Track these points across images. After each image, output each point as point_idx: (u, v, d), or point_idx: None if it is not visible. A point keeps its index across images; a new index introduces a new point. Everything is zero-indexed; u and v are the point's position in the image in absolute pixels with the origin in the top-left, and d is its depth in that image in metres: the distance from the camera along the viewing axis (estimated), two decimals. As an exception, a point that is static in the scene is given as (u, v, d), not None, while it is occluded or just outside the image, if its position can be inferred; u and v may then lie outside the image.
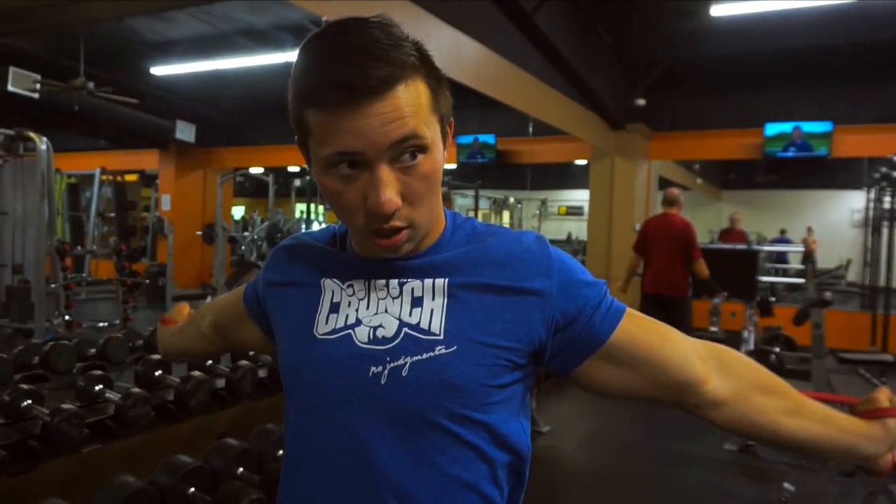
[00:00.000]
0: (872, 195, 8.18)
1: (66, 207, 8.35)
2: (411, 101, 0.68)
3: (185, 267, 9.74)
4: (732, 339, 5.81)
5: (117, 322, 6.15)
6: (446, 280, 0.75)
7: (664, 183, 9.05)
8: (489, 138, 8.72)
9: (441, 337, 0.72)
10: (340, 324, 0.76)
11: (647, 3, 6.11)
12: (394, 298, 0.76)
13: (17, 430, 1.73)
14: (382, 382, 0.72)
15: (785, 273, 10.54)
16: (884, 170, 7.09)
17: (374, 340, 0.74)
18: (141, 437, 1.95)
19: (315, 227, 12.00)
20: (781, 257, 10.84)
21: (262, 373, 2.51)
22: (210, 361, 2.36)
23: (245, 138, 10.20)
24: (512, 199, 12.64)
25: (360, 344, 0.74)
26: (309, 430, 0.77)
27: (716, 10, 5.68)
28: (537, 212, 14.06)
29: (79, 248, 7.55)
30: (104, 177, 8.57)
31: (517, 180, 11.56)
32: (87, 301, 8.07)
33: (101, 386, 1.96)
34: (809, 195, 13.77)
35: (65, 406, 1.70)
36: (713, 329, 5.66)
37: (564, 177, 12.51)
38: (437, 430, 0.72)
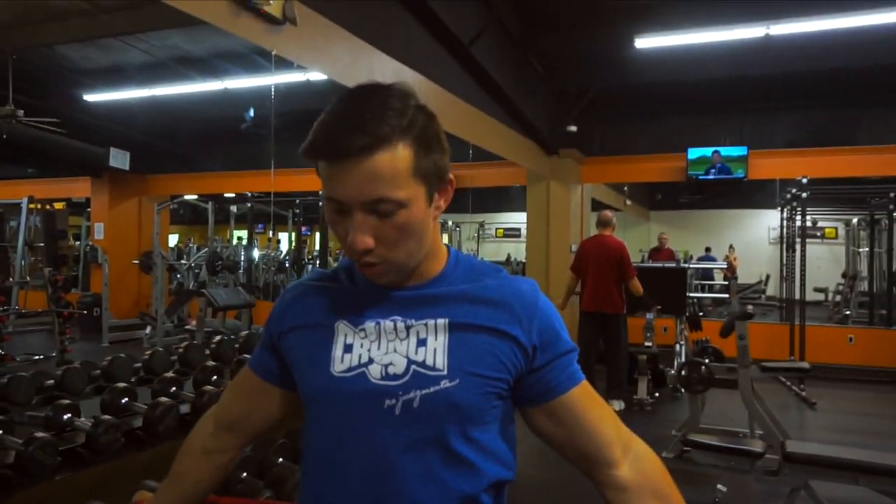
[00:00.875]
0: (786, 214, 8.75)
1: (-11, 238, 8.05)
2: (387, 166, 0.80)
3: (121, 296, 9.47)
4: (666, 352, 6.13)
5: (53, 354, 5.97)
6: (447, 321, 0.88)
7: (597, 205, 9.43)
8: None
9: (445, 372, 0.85)
10: (355, 362, 0.88)
11: (576, 34, 6.45)
12: (401, 340, 0.88)
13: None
14: (396, 413, 0.85)
15: (710, 289, 11.08)
16: (794, 190, 7.62)
17: (387, 377, 0.86)
18: (110, 463, 1.98)
19: (255, 253, 11.91)
20: (707, 273, 11.39)
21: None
22: (174, 388, 2.40)
23: (182, 165, 10.06)
24: (451, 223, 12.89)
25: (373, 380, 0.86)
26: (331, 455, 0.88)
27: (640, 43, 6.07)
28: (475, 234, 14.35)
29: (10, 280, 7.27)
30: (31, 205, 8.32)
31: (456, 204, 11.77)
32: (17, 333, 7.76)
33: (69, 415, 1.99)
34: (730, 214, 14.55)
35: (38, 434, 1.73)
36: (647, 344, 5.93)
37: (502, 200, 12.84)
38: (443, 450, 0.85)
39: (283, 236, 16.41)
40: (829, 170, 7.58)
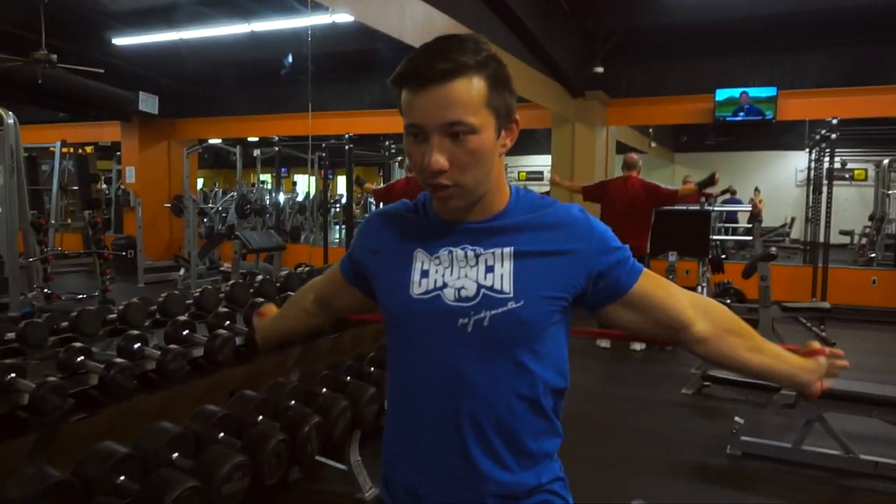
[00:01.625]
0: (814, 155, 8.66)
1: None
2: (464, 93, 0.92)
3: (154, 239, 9.74)
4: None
5: (95, 294, 6.24)
6: (512, 249, 1.00)
7: (621, 147, 9.41)
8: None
9: (511, 295, 0.98)
10: (431, 286, 1.01)
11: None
12: (472, 267, 1.00)
13: (4, 402, 1.86)
14: (469, 330, 0.98)
15: (734, 232, 11.06)
16: (823, 132, 7.54)
17: (460, 299, 0.99)
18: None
19: (281, 197, 12.06)
20: (731, 216, 11.38)
21: (238, 340, 2.63)
22: (187, 331, 2.55)
23: (209, 109, 10.15)
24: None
25: (448, 302, 0.99)
26: (413, 366, 1.03)
27: (670, -18, 5.97)
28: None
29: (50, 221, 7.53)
30: (64, 149, 8.50)
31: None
32: (58, 274, 8.08)
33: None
34: (757, 156, 14.37)
35: (49, 378, 1.87)
36: (669, 285, 6.03)
37: (525, 143, 12.80)
38: (510, 360, 0.99)
39: (301, 179, 16.60)
40: (860, 110, 7.48)
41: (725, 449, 3.47)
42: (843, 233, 11.61)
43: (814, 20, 6.88)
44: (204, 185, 15.42)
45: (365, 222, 1.16)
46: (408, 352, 1.04)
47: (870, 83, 7.15)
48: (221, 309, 2.73)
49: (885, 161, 10.98)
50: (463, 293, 0.99)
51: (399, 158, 10.40)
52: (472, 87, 0.93)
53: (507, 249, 1.00)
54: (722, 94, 7.70)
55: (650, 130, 11.78)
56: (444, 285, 1.00)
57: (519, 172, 15.53)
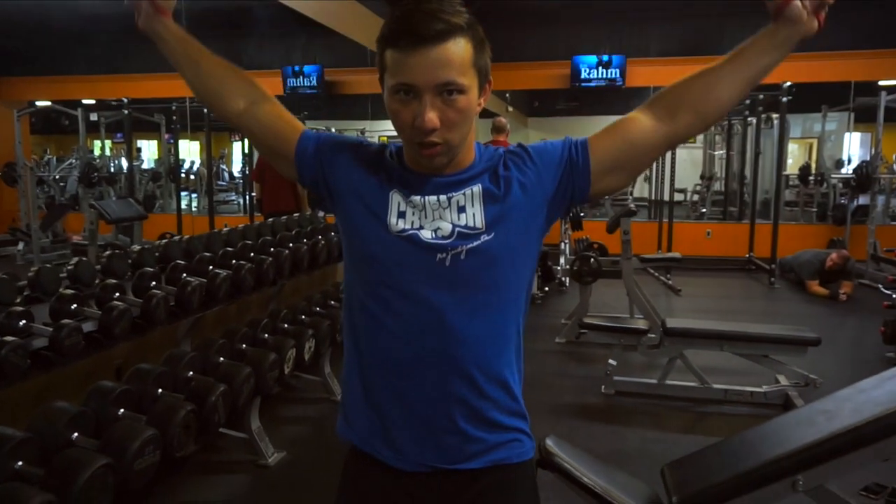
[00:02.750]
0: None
1: None
2: (457, 53, 0.96)
3: (-21, 211, 8.74)
4: (552, 251, 6.63)
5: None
6: (480, 187, 1.06)
7: (483, 111, 9.66)
8: (315, 69, 8.71)
9: (483, 229, 1.04)
10: (408, 226, 1.05)
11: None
12: (444, 209, 1.05)
13: None
14: (447, 264, 1.03)
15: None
16: (666, 98, 8.21)
17: (436, 238, 1.04)
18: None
19: (124, 163, 11.18)
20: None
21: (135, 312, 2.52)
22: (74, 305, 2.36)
23: (39, 68, 9.15)
24: (333, 130, 12.73)
25: (426, 240, 1.04)
26: (388, 299, 1.06)
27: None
28: (359, 142, 14.21)
29: None
30: None
31: (347, 110, 11.65)
32: None
33: None
34: (605, 120, 14.82)
35: None
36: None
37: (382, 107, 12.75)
38: (484, 289, 1.05)
39: (145, 144, 15.51)
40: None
41: (601, 388, 3.80)
42: (677, 190, 12.70)
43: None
44: (34, 152, 13.96)
45: (358, 142, 1.16)
46: (380, 284, 1.07)
47: (708, 53, 7.84)
48: (109, 281, 2.56)
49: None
50: (439, 233, 1.04)
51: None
52: (462, 48, 0.97)
53: (475, 188, 1.06)
54: (578, 62, 8.13)
55: (507, 95, 12.16)
56: (421, 227, 1.05)
57: (379, 136, 15.45)
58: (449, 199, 1.06)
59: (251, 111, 1.17)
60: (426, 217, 1.06)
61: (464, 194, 1.06)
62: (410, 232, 1.05)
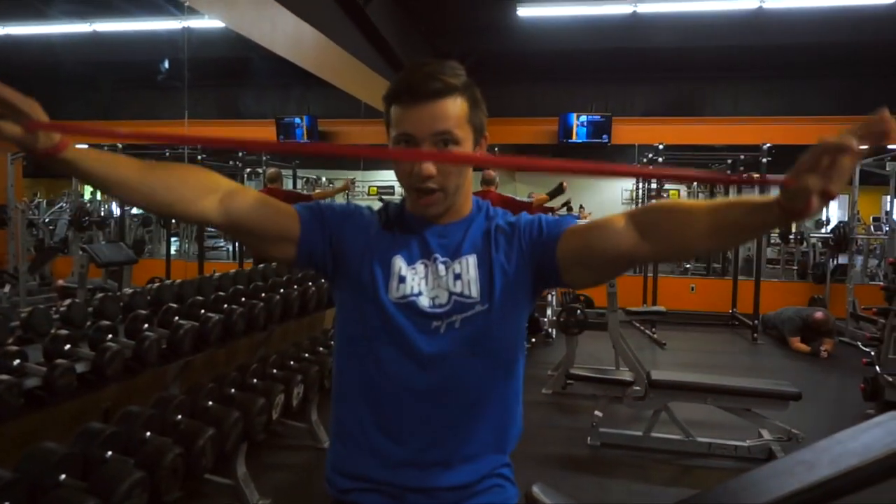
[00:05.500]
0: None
1: None
2: (453, 109, 1.06)
3: (-35, 253, 8.67)
4: (538, 302, 6.69)
5: None
6: (475, 256, 1.12)
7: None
8: (309, 119, 8.88)
9: (478, 299, 1.10)
10: (408, 291, 1.10)
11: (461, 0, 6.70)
12: (443, 277, 1.11)
13: None
14: (442, 332, 1.09)
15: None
16: (650, 155, 8.44)
17: (434, 306, 1.10)
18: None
19: (115, 208, 11.20)
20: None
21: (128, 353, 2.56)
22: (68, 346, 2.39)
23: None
24: (324, 179, 12.88)
25: (423, 308, 1.10)
26: (384, 362, 1.10)
27: (522, 11, 6.43)
28: (346, 194, 14.36)
29: None
30: None
31: (333, 159, 11.81)
32: None
33: None
34: (591, 176, 15.55)
35: None
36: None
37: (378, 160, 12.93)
38: (478, 355, 1.10)
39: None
40: (680, 137, 8.45)
41: (587, 440, 3.81)
42: (662, 246, 12.92)
43: (646, 56, 7.73)
44: (24, 194, 13.95)
45: (355, 208, 1.21)
46: (376, 348, 1.11)
47: (691, 114, 8.14)
48: (103, 322, 2.58)
49: (695, 183, 12.41)
50: (437, 301, 1.10)
51: (248, 171, 10.09)
52: (458, 105, 1.07)
53: (471, 258, 1.13)
54: (565, 119, 8.37)
55: (496, 149, 12.41)
56: (420, 293, 1.11)
57: (370, 187, 15.63)
58: (447, 267, 1.12)
59: (231, 207, 1.06)
60: (426, 284, 1.11)
61: (460, 262, 1.12)
62: (410, 298, 1.10)
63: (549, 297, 6.77)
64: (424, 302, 1.10)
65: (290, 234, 1.11)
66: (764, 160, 7.24)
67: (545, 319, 6.77)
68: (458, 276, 1.11)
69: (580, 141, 8.40)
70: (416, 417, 1.10)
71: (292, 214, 1.12)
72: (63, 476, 2.00)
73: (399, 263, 1.13)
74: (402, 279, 1.11)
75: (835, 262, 7.93)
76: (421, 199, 1.09)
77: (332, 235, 1.14)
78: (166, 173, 1.04)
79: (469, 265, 1.12)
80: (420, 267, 1.13)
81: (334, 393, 1.20)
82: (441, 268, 1.12)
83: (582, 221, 1.13)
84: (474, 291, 1.10)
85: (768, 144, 7.18)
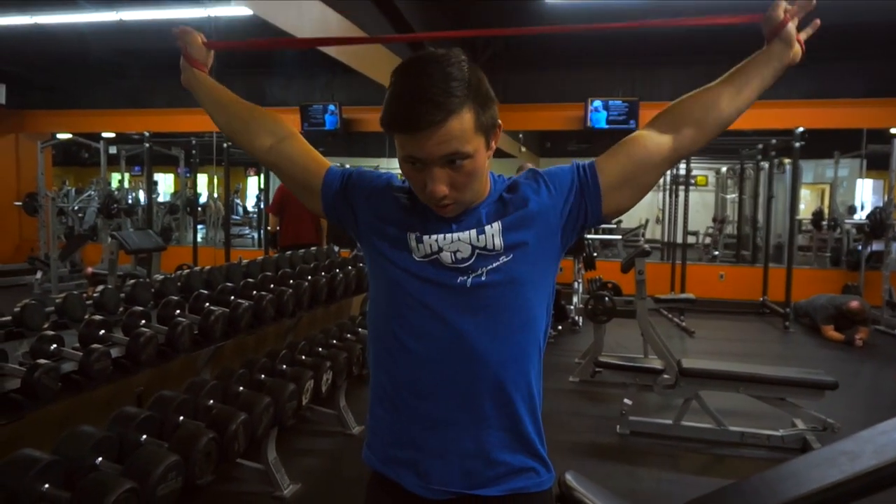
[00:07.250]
0: (669, 163, 9.48)
1: None
2: (457, 129, 0.98)
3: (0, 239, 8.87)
4: (565, 289, 6.64)
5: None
6: (499, 222, 1.09)
7: (497, 151, 9.78)
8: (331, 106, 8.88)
9: (502, 251, 1.08)
10: (428, 251, 1.09)
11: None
12: (464, 231, 1.08)
13: None
14: (468, 285, 1.07)
15: (596, 231, 11.85)
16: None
17: (457, 261, 1.08)
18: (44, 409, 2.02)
19: (141, 196, 11.36)
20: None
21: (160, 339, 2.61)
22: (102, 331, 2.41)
23: (62, 101, 9.37)
24: (347, 166, 12.94)
25: (446, 264, 1.08)
26: (412, 324, 1.09)
27: (549, -3, 6.33)
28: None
29: None
30: None
31: (358, 147, 11.83)
32: None
33: None
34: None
35: None
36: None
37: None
38: (504, 310, 1.08)
39: (161, 178, 15.76)
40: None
41: (616, 428, 3.78)
42: (689, 233, 12.75)
43: (670, 38, 7.57)
44: (53, 183, 14.21)
45: (385, 178, 1.20)
46: (404, 308, 1.10)
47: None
48: (135, 308, 2.61)
49: (724, 168, 12.22)
50: (458, 255, 1.08)
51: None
52: (464, 121, 0.99)
53: (495, 224, 1.10)
54: (591, 104, 8.25)
55: (520, 136, 12.32)
56: (440, 250, 1.09)
57: (399, 175, 15.65)
58: (466, 227, 1.10)
59: (278, 148, 1.26)
60: (444, 239, 1.09)
61: (480, 220, 1.10)
62: (432, 257, 1.09)
63: (576, 284, 6.72)
64: (446, 257, 1.08)
65: (313, 187, 1.24)
66: (797, 144, 7.08)
67: (571, 307, 6.73)
68: (481, 231, 1.09)
69: (605, 126, 8.28)
70: (447, 379, 1.09)
71: (318, 172, 1.24)
72: (100, 459, 2.03)
73: (418, 231, 1.11)
74: (419, 240, 1.10)
75: (870, 248, 7.75)
76: (437, 209, 1.08)
77: (348, 196, 1.20)
78: (247, 110, 1.31)
79: (491, 220, 1.10)
80: (439, 235, 1.11)
81: (371, 362, 1.20)
82: (462, 234, 1.10)
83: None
84: (497, 244, 1.08)
85: (801, 128, 7.01)
